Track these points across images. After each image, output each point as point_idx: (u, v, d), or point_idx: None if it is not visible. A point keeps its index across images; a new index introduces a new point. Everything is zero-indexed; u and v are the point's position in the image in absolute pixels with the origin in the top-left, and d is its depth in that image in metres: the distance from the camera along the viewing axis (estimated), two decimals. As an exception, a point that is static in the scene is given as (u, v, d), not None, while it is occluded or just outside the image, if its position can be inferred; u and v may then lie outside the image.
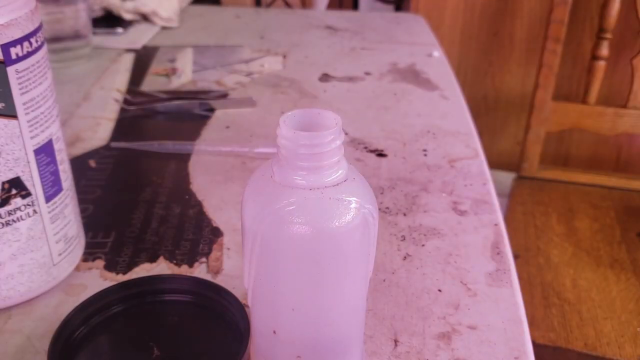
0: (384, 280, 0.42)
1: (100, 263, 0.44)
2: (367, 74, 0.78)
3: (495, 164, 1.23)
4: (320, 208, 0.26)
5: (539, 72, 1.22)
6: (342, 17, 1.02)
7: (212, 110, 0.68)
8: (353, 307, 0.29)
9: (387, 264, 0.44)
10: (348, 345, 0.31)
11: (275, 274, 0.28)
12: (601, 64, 1.19)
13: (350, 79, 0.77)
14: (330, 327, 0.29)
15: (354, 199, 0.27)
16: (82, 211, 0.47)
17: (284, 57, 0.84)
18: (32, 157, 0.36)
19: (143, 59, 0.82)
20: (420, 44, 0.89)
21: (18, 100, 0.34)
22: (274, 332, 0.29)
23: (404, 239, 0.46)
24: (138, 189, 0.53)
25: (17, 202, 0.36)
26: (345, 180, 0.27)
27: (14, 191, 0.36)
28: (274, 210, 0.26)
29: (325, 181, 0.26)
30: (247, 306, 0.32)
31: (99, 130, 0.63)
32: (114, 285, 0.37)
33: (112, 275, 0.42)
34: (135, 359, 0.34)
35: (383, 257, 0.44)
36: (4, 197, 0.35)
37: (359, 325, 0.31)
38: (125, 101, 0.69)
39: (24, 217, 0.37)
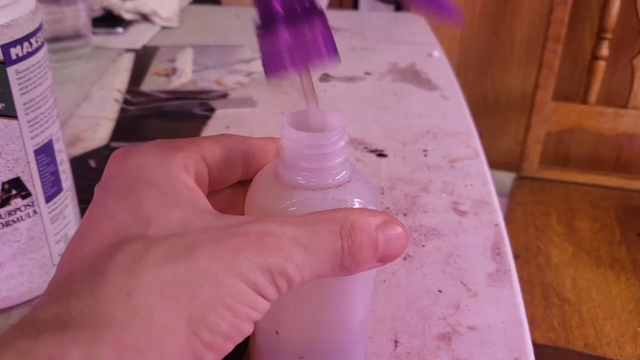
0: (384, 281, 0.42)
1: (100, 263, 0.44)
2: (367, 74, 0.78)
3: (495, 164, 1.23)
4: (322, 209, 0.26)
5: (539, 72, 1.22)
6: (342, 17, 1.02)
7: (212, 110, 0.68)
8: (356, 308, 0.29)
9: (387, 264, 0.44)
10: (351, 345, 0.31)
11: (276, 274, 0.28)
12: (601, 64, 1.19)
13: (350, 79, 0.77)
14: (333, 328, 0.29)
15: (357, 200, 0.27)
16: (82, 211, 0.47)
17: (284, 57, 0.84)
18: (32, 157, 0.36)
19: (143, 59, 0.82)
20: (420, 44, 0.89)
21: (18, 100, 0.34)
22: (276, 332, 0.29)
23: (404, 240, 0.46)
24: (138, 189, 0.53)
25: (17, 202, 0.36)
26: (348, 182, 0.27)
27: (14, 191, 0.36)
28: (277, 211, 0.26)
29: (329, 182, 0.26)
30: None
31: (99, 130, 0.63)
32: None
33: (112, 275, 0.42)
34: None
35: (383, 258, 0.44)
36: (4, 197, 0.35)
37: (362, 326, 0.31)
38: (125, 101, 0.69)
39: (24, 217, 0.37)
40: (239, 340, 0.22)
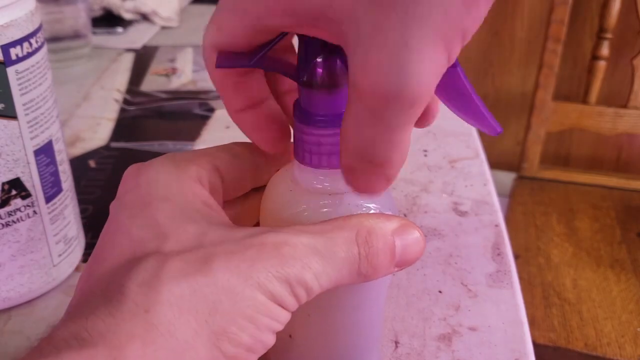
0: (384, 281, 0.42)
1: (100, 264, 0.43)
2: (368, 74, 0.78)
3: (495, 164, 1.23)
4: (338, 214, 0.25)
5: (539, 72, 1.22)
6: (342, 17, 1.01)
7: (212, 110, 0.68)
8: (371, 312, 0.29)
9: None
10: (365, 349, 0.30)
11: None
12: (601, 64, 1.19)
13: (351, 79, 0.76)
14: (348, 332, 0.29)
15: (373, 204, 0.26)
16: (82, 212, 0.47)
17: (284, 57, 0.84)
18: (32, 158, 0.36)
19: (143, 59, 0.82)
20: (421, 44, 0.89)
21: (18, 101, 0.34)
22: (290, 336, 0.29)
23: (405, 240, 0.46)
24: (138, 189, 0.53)
25: (17, 202, 0.36)
26: None
27: (13, 192, 0.36)
28: (292, 215, 0.25)
29: (345, 187, 0.26)
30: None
31: (99, 130, 0.63)
32: (114, 286, 0.37)
33: (112, 276, 0.42)
34: None
35: (383, 258, 0.44)
36: (4, 198, 0.35)
37: (376, 330, 0.30)
38: (125, 101, 0.69)
39: (23, 217, 0.37)
40: (262, 351, 0.22)
